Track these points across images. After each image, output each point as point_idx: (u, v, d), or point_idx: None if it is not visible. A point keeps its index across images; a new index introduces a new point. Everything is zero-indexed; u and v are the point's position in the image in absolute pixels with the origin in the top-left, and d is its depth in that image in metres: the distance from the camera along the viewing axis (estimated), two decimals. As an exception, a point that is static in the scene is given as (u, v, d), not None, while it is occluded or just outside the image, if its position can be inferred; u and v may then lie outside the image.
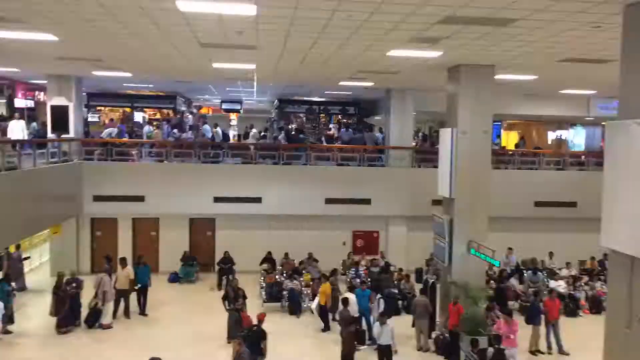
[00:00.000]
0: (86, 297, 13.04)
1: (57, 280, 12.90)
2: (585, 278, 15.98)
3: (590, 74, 12.68)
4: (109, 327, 12.77)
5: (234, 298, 11.85)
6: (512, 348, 10.34)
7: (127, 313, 13.47)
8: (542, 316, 12.08)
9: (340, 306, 11.57)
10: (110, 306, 12.95)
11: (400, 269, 16.04)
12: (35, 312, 13.76)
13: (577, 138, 26.20)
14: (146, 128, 19.97)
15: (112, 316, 13.03)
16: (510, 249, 16.51)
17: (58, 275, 13.07)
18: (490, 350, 9.48)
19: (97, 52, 11.70)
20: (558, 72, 12.59)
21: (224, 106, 28.31)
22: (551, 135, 26.57)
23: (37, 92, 21.90)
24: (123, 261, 13.66)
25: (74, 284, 12.82)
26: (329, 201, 17.16)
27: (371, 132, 19.40)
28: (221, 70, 14.31)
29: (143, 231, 17.63)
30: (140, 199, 16.41)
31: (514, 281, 14.97)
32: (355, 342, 11.01)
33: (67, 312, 12.46)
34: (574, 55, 10.30)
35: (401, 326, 12.99)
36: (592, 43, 9.09)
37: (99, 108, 25.07)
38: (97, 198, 16.23)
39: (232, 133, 28.56)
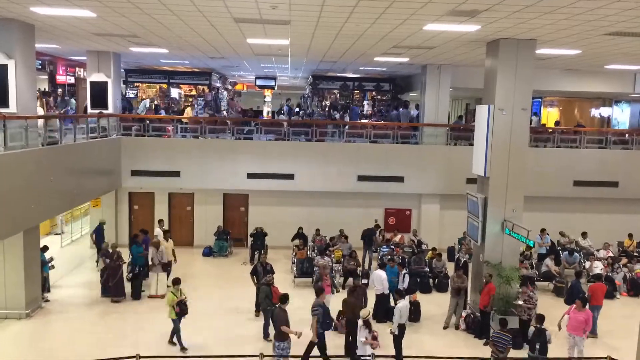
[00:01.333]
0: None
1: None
2: (625, 260, 15.54)
3: (638, 48, 12.08)
4: (158, 296, 13.16)
5: (262, 273, 12.04)
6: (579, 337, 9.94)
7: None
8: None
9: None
10: (154, 277, 13.36)
11: (434, 248, 15.95)
12: (78, 281, 14.38)
13: (621, 115, 25.12)
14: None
15: (156, 286, 13.39)
16: (543, 230, 16.11)
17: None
18: (531, 329, 9.30)
19: (132, 28, 11.84)
20: (604, 47, 12.04)
21: (259, 82, 28.41)
22: (594, 113, 25.57)
23: (77, 69, 22.43)
24: (166, 233, 14.26)
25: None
26: (361, 178, 17.09)
27: (406, 109, 19.10)
28: (255, 46, 14.29)
29: (178, 205, 18.04)
30: (176, 174, 16.72)
31: (549, 262, 14.69)
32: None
33: (118, 283, 13.01)
34: (621, 28, 9.80)
35: (432, 304, 13.02)
36: (641, 15, 8.62)
37: (136, 84, 25.52)
38: (135, 173, 16.62)
39: (265, 110, 28.70)
